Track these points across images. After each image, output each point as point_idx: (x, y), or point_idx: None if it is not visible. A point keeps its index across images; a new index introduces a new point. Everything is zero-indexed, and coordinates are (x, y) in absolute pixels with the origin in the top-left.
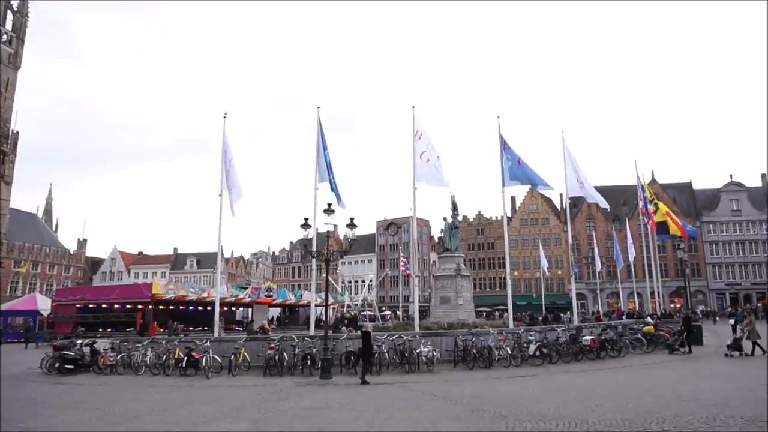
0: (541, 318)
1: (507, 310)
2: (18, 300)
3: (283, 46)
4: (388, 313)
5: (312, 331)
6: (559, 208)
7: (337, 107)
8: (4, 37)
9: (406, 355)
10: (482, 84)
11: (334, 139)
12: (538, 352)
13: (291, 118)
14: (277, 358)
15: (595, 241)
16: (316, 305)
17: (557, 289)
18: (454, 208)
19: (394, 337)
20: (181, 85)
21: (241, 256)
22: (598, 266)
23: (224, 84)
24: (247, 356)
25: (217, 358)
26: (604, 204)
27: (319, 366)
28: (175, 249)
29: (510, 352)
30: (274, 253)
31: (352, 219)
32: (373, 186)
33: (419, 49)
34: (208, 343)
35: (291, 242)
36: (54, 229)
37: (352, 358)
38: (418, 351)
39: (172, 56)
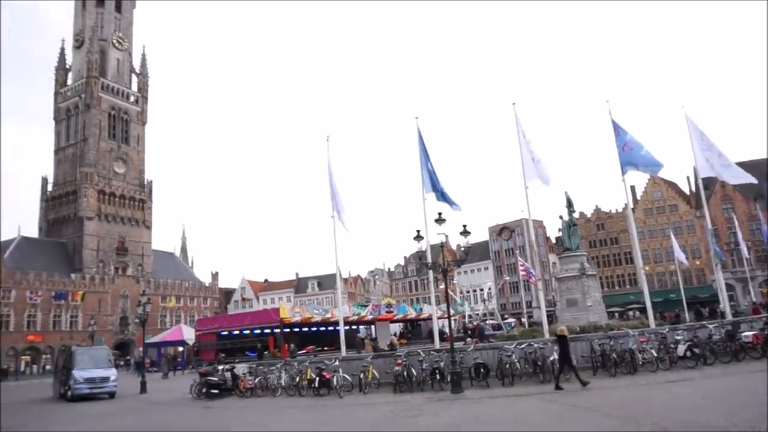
0: (693, 314)
1: (643, 309)
2: (167, 332)
3: (377, 59)
4: (512, 320)
5: (437, 345)
6: (687, 192)
7: (435, 114)
8: (132, 98)
9: (539, 363)
10: (582, 70)
11: (436, 146)
12: (689, 353)
13: (392, 131)
14: (405, 374)
15: (736, 224)
16: (438, 318)
17: (697, 282)
18: (569, 204)
19: (523, 346)
20: (285, 107)
21: (359, 275)
22: (745, 252)
23: (324, 104)
24: (375, 374)
25: (347, 376)
26: (750, 179)
27: (449, 380)
28: (297, 273)
29: (656, 354)
30: (389, 269)
31: (465, 226)
32: (479, 191)
33: (516, 45)
34: (337, 363)
35: (405, 257)
36: (190, 265)
37: (482, 370)
38: (551, 359)
39: (271, 83)
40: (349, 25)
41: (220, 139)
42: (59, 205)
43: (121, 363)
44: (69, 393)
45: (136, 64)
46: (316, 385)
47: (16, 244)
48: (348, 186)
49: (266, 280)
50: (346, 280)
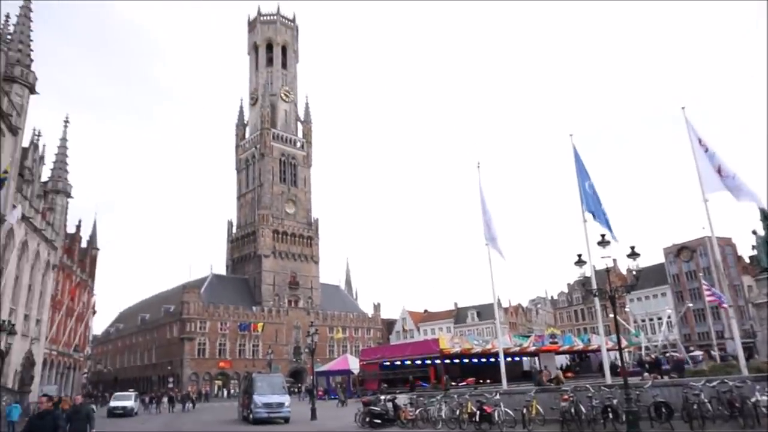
0: None
1: None
2: (334, 361)
3: (523, 79)
4: (699, 353)
5: (608, 380)
6: None
7: (590, 130)
8: (298, 144)
9: (737, 405)
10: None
11: (595, 163)
12: None
13: (545, 151)
14: (573, 410)
15: None
16: (607, 349)
17: None
18: (765, 217)
19: (714, 383)
20: (437, 137)
21: (519, 304)
22: None
23: (474, 130)
24: (540, 409)
25: (509, 411)
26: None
27: (624, 420)
28: (456, 303)
29: None
30: (552, 297)
31: (633, 248)
32: (648, 209)
33: (685, 50)
34: (497, 396)
35: (569, 284)
36: (354, 297)
37: (663, 410)
38: (753, 400)
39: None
40: (493, 48)
41: (378, 172)
42: (242, 245)
43: (294, 390)
44: (251, 416)
45: (301, 113)
46: (477, 419)
47: (209, 281)
48: (503, 212)
49: (426, 311)
50: (506, 310)
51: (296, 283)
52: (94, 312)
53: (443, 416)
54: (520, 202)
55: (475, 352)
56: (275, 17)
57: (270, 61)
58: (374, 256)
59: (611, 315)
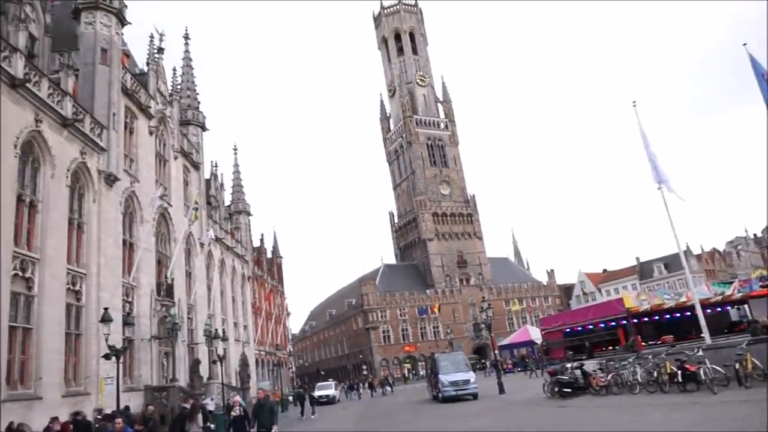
0: None
1: None
2: (514, 334)
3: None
4: None
5: None
6: None
7: None
8: (442, 125)
9: None
10: None
11: None
12: None
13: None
14: None
15: None
16: None
17: None
18: None
19: None
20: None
21: (714, 249)
22: None
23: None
24: (757, 362)
25: (718, 368)
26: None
27: None
28: (638, 258)
29: None
30: (755, 235)
31: None
32: None
33: None
34: (700, 353)
35: None
36: (525, 267)
37: None
38: None
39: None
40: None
41: (525, 133)
42: (405, 233)
43: (479, 366)
44: (439, 395)
45: (439, 94)
46: (680, 379)
47: (381, 272)
48: (674, 151)
49: (605, 270)
50: (698, 257)
51: (464, 262)
52: (288, 313)
53: (639, 380)
54: (697, 137)
55: (668, 308)
56: (398, 6)
57: (400, 50)
58: (540, 222)
59: None
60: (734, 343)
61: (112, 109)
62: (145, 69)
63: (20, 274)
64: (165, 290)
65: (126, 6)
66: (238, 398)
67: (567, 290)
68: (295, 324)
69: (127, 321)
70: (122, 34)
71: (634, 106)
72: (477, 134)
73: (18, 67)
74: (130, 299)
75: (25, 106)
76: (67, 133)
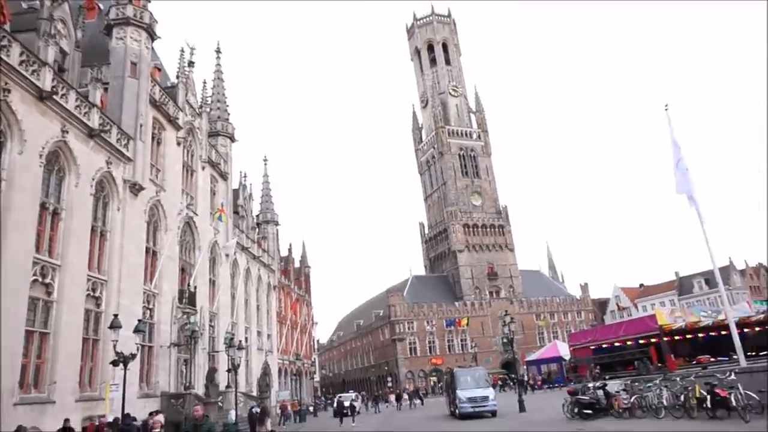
0: None
1: None
2: (543, 349)
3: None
4: None
5: None
6: None
7: None
8: (474, 135)
9: None
10: None
11: None
12: None
13: None
14: None
15: None
16: None
17: None
18: None
19: None
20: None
21: (761, 264)
22: None
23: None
24: None
25: (752, 394)
26: None
27: None
28: (677, 273)
29: None
30: None
31: None
32: None
33: None
34: (732, 376)
35: None
36: (561, 280)
37: None
38: None
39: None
40: None
41: (559, 144)
42: (435, 244)
43: (507, 381)
44: (457, 411)
45: (472, 104)
46: (708, 405)
47: (410, 283)
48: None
49: (642, 285)
50: (743, 273)
51: (494, 274)
52: (315, 323)
53: (665, 403)
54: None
55: (704, 326)
56: (431, 18)
57: (433, 61)
58: (576, 234)
59: None
60: None
61: (140, 120)
62: (176, 82)
63: (40, 279)
64: (187, 298)
65: (156, 21)
66: (159, 417)
67: (601, 305)
68: (323, 334)
69: (138, 328)
70: (152, 48)
71: (666, 109)
72: (510, 144)
73: (46, 80)
74: (150, 306)
75: (52, 117)
76: (94, 144)
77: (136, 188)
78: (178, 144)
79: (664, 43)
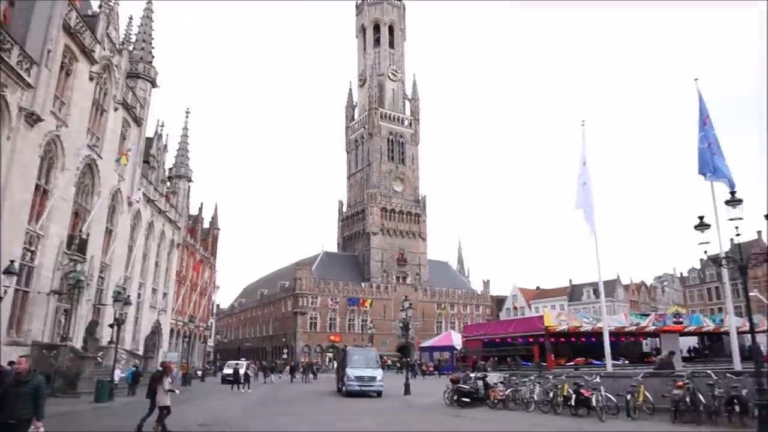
0: None
1: None
2: (438, 337)
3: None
4: None
5: (737, 366)
6: None
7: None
8: (406, 122)
9: None
10: None
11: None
12: None
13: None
14: (688, 400)
15: None
16: (739, 332)
17: None
18: None
19: None
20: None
21: (642, 282)
22: None
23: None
24: (648, 396)
25: (611, 396)
26: None
27: (754, 414)
28: (570, 280)
29: None
30: (681, 274)
31: None
32: None
33: None
34: (598, 379)
35: (701, 260)
36: (467, 274)
37: None
38: None
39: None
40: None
41: (486, 146)
42: (351, 223)
43: (399, 365)
44: (344, 389)
45: (408, 91)
46: (573, 403)
47: (320, 258)
48: (626, 181)
49: (538, 288)
50: (626, 287)
51: (404, 260)
52: (216, 287)
53: (536, 398)
54: (642, 171)
55: (584, 331)
56: None
57: (377, 42)
58: (485, 232)
59: (754, 293)
60: (632, 373)
61: (48, 45)
62: (98, 11)
63: None
64: (77, 244)
65: None
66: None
67: (499, 302)
68: (225, 300)
69: (10, 270)
70: None
71: (583, 125)
72: (439, 136)
73: None
74: (33, 248)
75: None
76: None
77: (33, 118)
78: (91, 79)
79: (590, 55)
